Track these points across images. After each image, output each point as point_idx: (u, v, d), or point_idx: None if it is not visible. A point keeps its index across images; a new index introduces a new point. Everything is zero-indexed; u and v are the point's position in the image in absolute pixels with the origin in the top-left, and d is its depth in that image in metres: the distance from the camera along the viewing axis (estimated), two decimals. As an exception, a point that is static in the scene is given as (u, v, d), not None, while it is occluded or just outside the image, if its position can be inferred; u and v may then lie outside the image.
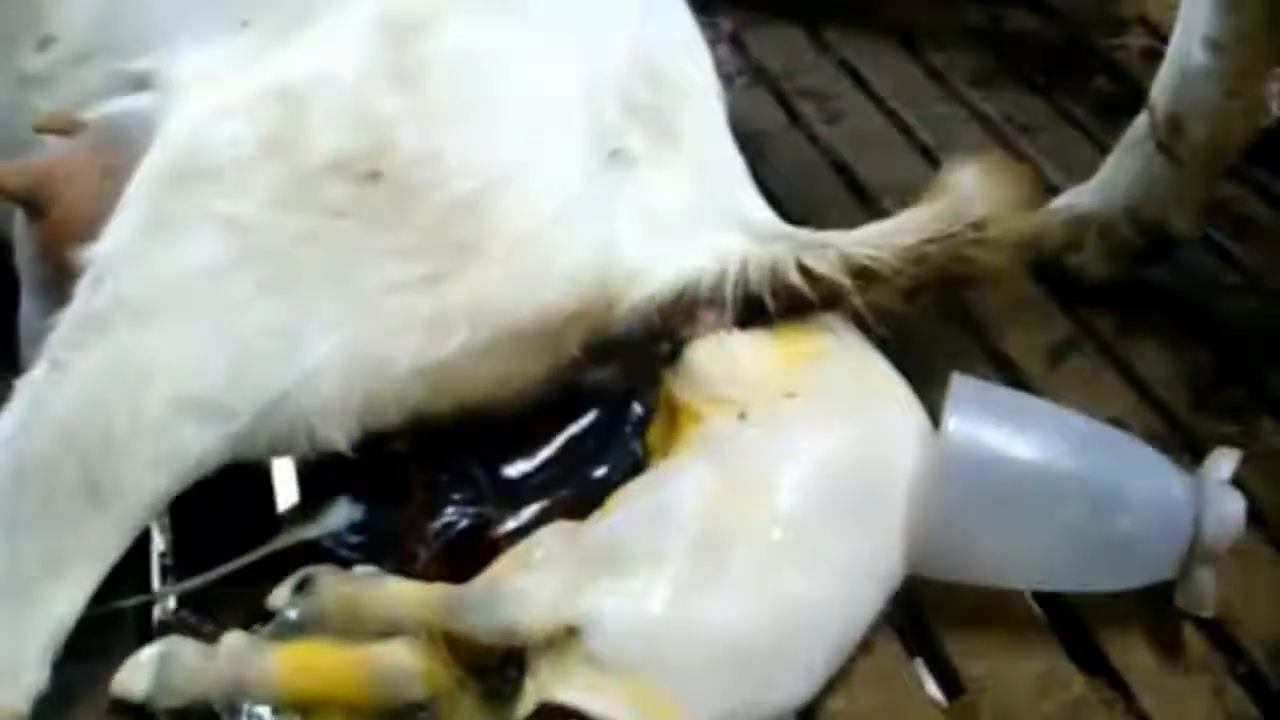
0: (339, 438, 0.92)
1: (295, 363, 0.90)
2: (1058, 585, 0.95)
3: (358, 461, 0.98)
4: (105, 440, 0.86)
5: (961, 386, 0.94)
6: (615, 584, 0.86)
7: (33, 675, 0.85)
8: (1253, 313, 1.23)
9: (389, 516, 0.97)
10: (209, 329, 0.89)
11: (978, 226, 0.97)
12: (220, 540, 0.97)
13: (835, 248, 0.99)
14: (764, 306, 0.99)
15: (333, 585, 0.92)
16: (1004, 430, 0.92)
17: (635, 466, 0.97)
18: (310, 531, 0.96)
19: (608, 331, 0.99)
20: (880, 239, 0.99)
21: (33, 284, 1.01)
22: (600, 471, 0.99)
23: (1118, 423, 1.08)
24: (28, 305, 1.01)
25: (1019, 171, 1.05)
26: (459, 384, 0.95)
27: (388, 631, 0.88)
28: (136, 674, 0.87)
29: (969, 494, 0.90)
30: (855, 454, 0.93)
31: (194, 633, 0.92)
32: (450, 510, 0.96)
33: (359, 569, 0.94)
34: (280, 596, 0.93)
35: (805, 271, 0.98)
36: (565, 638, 0.84)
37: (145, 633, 0.94)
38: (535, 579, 0.87)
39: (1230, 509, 0.89)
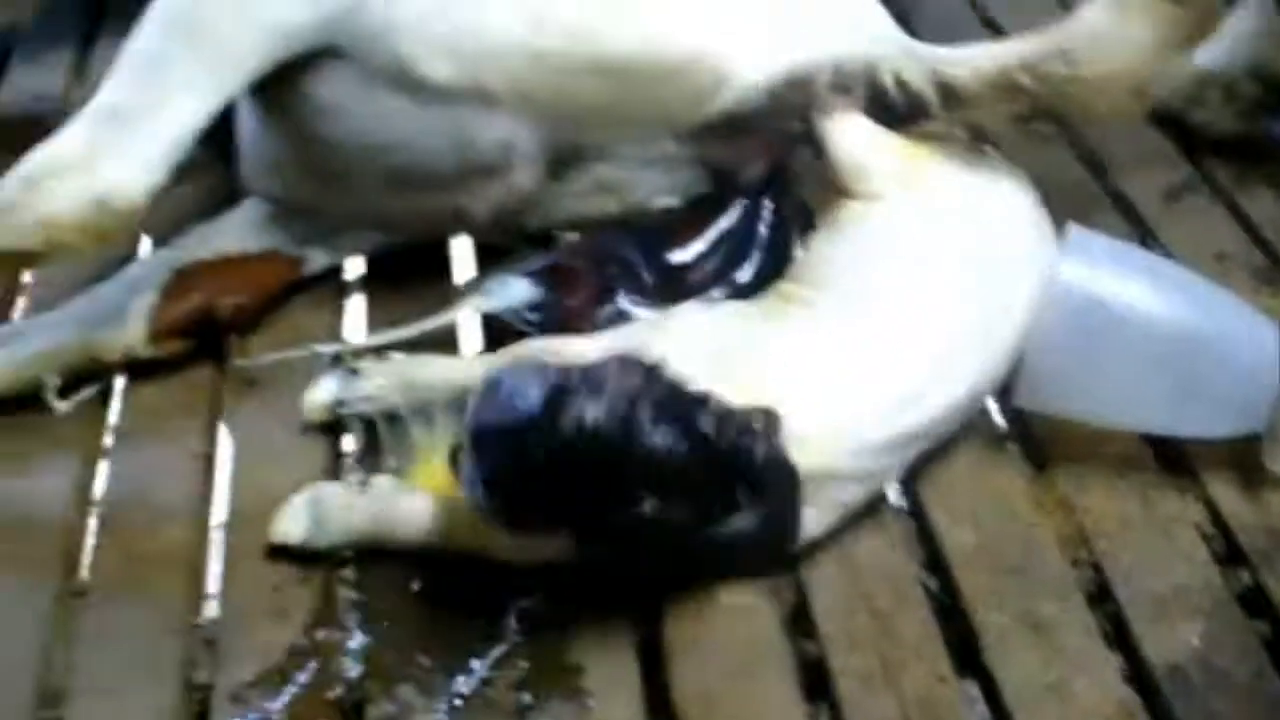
0: (438, 68, 1.02)
1: None
2: (1152, 427, 1.00)
3: (532, 253, 1.11)
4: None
5: (1078, 235, 0.99)
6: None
7: (151, 176, 0.99)
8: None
9: (561, 301, 1.06)
10: None
11: (1070, 63, 1.01)
12: (407, 312, 1.09)
13: (927, 61, 1.06)
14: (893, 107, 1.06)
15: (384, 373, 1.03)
16: (1114, 277, 0.97)
17: (776, 264, 1.08)
18: (492, 304, 1.06)
19: (725, 107, 1.07)
20: (973, 61, 1.05)
21: None
22: (747, 270, 1.09)
23: (1223, 257, 1.17)
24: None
25: (1162, 13, 1.03)
26: (558, 79, 1.04)
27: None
28: (293, 520, 0.96)
29: (1076, 332, 0.95)
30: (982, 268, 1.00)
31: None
32: (620, 300, 1.06)
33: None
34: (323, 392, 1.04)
35: (897, 78, 1.06)
36: None
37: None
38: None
39: None
